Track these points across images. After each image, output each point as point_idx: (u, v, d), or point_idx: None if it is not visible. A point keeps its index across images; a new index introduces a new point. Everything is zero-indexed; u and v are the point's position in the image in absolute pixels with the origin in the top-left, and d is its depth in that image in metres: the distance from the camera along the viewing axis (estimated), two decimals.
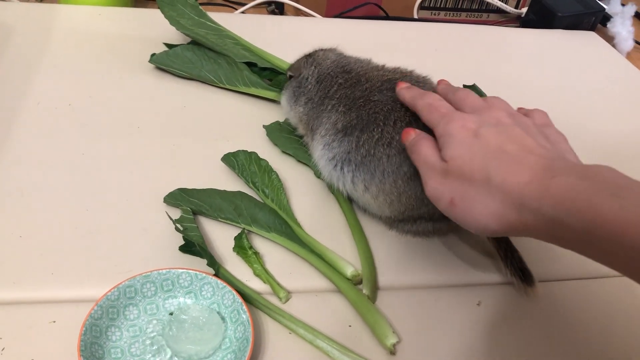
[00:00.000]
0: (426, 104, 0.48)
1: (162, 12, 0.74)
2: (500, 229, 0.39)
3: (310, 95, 0.60)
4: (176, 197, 0.58)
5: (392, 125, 0.53)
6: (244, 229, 0.55)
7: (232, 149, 0.63)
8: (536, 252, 0.55)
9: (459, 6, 0.98)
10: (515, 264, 0.52)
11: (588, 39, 0.94)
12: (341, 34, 0.88)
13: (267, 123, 0.68)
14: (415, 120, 0.52)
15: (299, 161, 0.64)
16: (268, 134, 0.66)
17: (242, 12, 0.93)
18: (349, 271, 0.51)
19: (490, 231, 0.39)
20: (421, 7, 0.97)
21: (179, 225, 0.52)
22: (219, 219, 0.57)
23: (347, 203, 0.59)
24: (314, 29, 0.89)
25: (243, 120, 0.70)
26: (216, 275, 0.49)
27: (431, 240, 0.58)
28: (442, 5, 0.97)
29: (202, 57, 0.73)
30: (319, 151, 0.58)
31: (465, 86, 0.75)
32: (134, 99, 0.71)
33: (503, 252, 0.53)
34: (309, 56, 0.64)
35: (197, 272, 0.48)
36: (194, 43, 0.75)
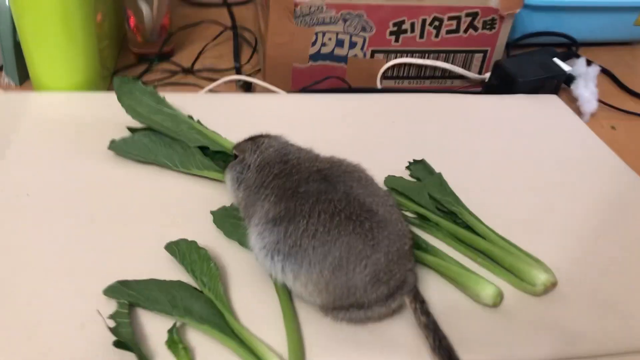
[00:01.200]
0: None
1: (120, 101, 0.77)
2: None
3: (248, 183, 0.63)
4: (115, 290, 0.60)
5: (317, 217, 0.54)
6: (175, 322, 0.57)
7: (182, 235, 0.65)
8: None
9: (422, 74, 1.00)
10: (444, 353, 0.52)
11: (549, 102, 0.94)
12: (305, 107, 0.90)
13: (218, 206, 0.70)
14: (338, 212, 0.54)
15: (241, 246, 0.66)
16: (214, 221, 0.68)
17: (210, 91, 0.97)
18: None
19: None
20: (384, 77, 0.99)
21: (109, 322, 0.54)
22: (154, 311, 0.58)
23: (284, 290, 0.61)
24: (279, 105, 0.92)
25: (195, 205, 0.72)
26: None
27: (366, 326, 0.58)
28: (405, 74, 0.99)
29: (158, 142, 0.76)
30: (252, 239, 0.60)
31: (414, 161, 0.77)
32: (90, 186, 0.73)
33: (432, 338, 0.53)
34: (254, 141, 0.66)
35: None
36: (152, 129, 0.78)
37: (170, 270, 0.63)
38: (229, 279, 0.63)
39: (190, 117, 0.80)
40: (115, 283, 0.60)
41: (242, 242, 0.65)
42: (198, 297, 0.59)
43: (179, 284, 0.61)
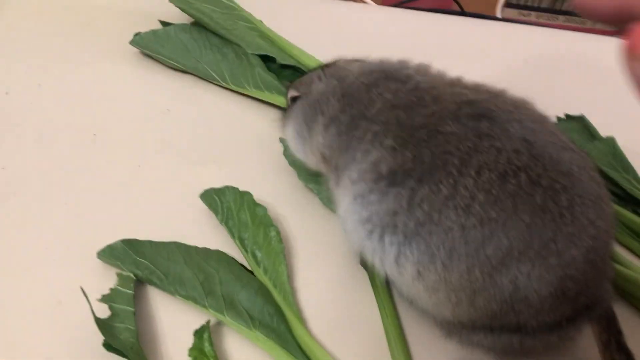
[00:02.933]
0: None
1: None
2: None
3: (333, 113, 0.38)
4: (117, 254, 0.38)
5: (474, 176, 0.31)
6: (208, 321, 0.34)
7: (223, 179, 0.43)
8: None
9: (556, 8, 0.75)
10: None
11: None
12: (398, 28, 0.66)
13: (281, 145, 0.47)
14: (514, 171, 0.31)
15: (325, 206, 0.43)
16: (285, 152, 0.45)
17: None
18: None
19: None
20: (507, 5, 0.75)
21: (99, 316, 0.32)
22: (177, 296, 0.36)
23: (385, 289, 0.38)
24: (363, 19, 0.68)
25: (247, 137, 0.49)
26: None
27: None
28: (534, 4, 0.75)
29: (203, 43, 0.53)
30: (346, 204, 0.36)
31: (567, 117, 0.52)
32: (99, 94, 0.52)
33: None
34: (327, 67, 0.42)
35: None
36: (196, 24, 0.54)
37: (205, 234, 0.40)
38: (297, 260, 0.40)
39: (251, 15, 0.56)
40: (117, 242, 0.38)
41: (326, 199, 0.42)
42: (247, 281, 0.37)
43: (219, 255, 0.38)
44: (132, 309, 0.34)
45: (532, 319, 0.33)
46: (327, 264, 0.40)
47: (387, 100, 0.36)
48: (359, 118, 0.37)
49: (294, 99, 0.42)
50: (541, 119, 0.36)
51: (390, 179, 0.33)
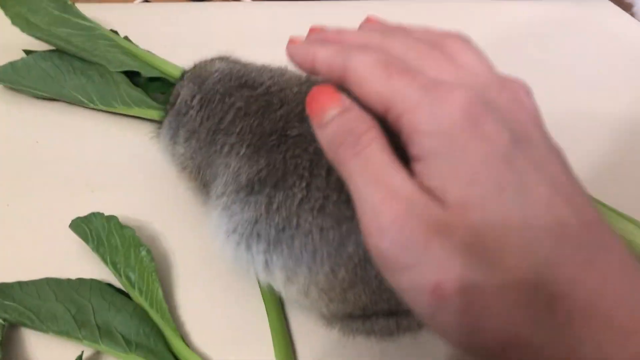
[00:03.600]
0: (375, 62, 0.24)
1: (2, 7, 0.52)
2: (499, 354, 0.21)
3: (192, 126, 0.38)
4: None
5: (325, 176, 0.32)
6: (82, 352, 0.34)
7: (97, 204, 0.42)
8: None
9: None
10: None
11: (601, 8, 0.72)
12: (279, 21, 0.66)
13: (153, 159, 0.46)
14: None
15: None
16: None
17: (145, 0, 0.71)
18: None
19: (482, 351, 0.21)
20: None
21: None
22: (50, 333, 0.36)
23: (271, 292, 0.38)
24: (237, 17, 0.67)
25: (121, 157, 0.49)
26: None
27: (394, 341, 0.37)
28: None
29: (66, 68, 0.52)
30: (214, 219, 0.36)
31: None
32: None
33: None
34: (189, 71, 0.42)
35: None
36: (58, 50, 0.53)
37: (78, 263, 0.40)
38: (174, 276, 0.40)
39: (115, 32, 0.55)
40: None
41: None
42: (122, 306, 0.37)
43: (92, 284, 0.38)
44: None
45: (402, 304, 0.34)
46: (208, 274, 0.40)
47: (239, 109, 0.36)
48: (214, 132, 0.37)
49: (169, 108, 0.42)
50: None
51: (250, 188, 0.34)
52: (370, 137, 0.23)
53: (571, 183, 0.23)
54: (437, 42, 0.26)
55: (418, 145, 0.22)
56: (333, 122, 0.24)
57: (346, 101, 0.25)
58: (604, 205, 0.43)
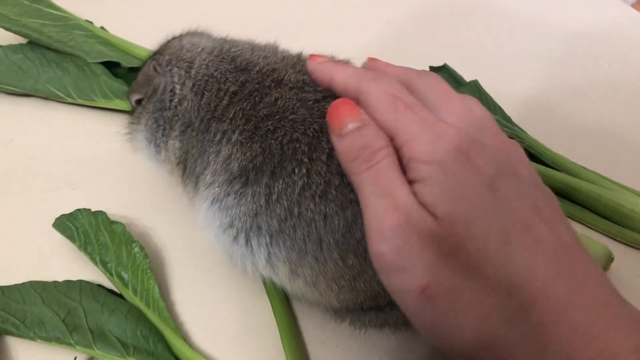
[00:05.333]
0: (386, 93, 0.28)
1: None
2: (475, 354, 0.25)
3: (188, 117, 0.36)
4: None
5: (326, 161, 0.30)
6: (75, 358, 0.32)
7: (80, 202, 0.39)
8: None
9: None
10: None
11: None
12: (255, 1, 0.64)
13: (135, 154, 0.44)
14: None
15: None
16: None
17: None
18: None
19: (460, 349, 0.25)
20: None
21: None
22: (38, 340, 0.33)
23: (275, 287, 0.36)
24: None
25: (102, 151, 0.46)
26: None
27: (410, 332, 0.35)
28: None
29: (39, 61, 0.49)
30: (204, 211, 0.34)
31: (431, 68, 0.52)
32: None
33: None
34: (160, 53, 0.39)
35: None
36: (30, 42, 0.50)
37: (67, 266, 0.37)
38: (168, 274, 0.38)
39: (90, 22, 0.52)
40: None
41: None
42: (116, 307, 0.34)
43: (82, 286, 0.35)
44: None
45: None
46: (205, 270, 0.38)
47: (234, 93, 0.34)
48: (209, 119, 0.34)
49: (139, 102, 0.39)
50: None
51: (244, 178, 0.31)
52: (384, 154, 0.26)
53: (553, 210, 0.26)
54: (446, 88, 0.30)
55: (416, 171, 0.26)
56: (351, 134, 0.27)
57: (365, 117, 0.28)
58: None
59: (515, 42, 0.59)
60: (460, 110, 0.28)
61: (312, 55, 0.33)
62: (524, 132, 0.46)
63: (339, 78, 0.30)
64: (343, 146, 0.28)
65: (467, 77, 0.50)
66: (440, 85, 0.30)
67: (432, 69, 0.52)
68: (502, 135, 0.28)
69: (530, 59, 0.57)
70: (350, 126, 0.27)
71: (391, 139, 0.27)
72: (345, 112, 0.28)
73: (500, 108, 0.49)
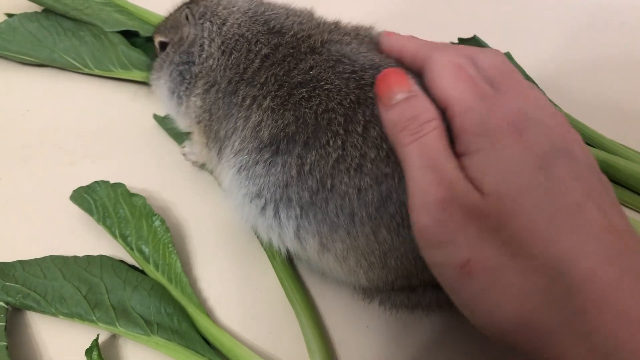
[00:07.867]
0: (452, 63, 0.28)
1: None
2: (512, 335, 0.24)
3: (213, 77, 0.34)
4: None
5: (361, 133, 0.29)
6: (97, 336, 0.31)
7: (100, 174, 0.38)
8: None
9: None
10: None
11: None
12: None
13: (157, 125, 0.42)
14: None
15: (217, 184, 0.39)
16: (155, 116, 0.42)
17: None
18: None
19: (498, 329, 0.24)
20: None
21: None
22: (60, 316, 0.32)
23: (286, 265, 0.35)
24: None
25: (120, 123, 0.44)
26: None
27: (443, 314, 0.34)
28: None
29: (55, 30, 0.48)
30: (230, 177, 0.32)
31: (460, 40, 0.50)
32: None
33: None
34: (196, 3, 0.37)
35: None
36: (45, 10, 0.48)
37: (86, 240, 0.36)
38: (190, 248, 0.36)
39: None
40: None
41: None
42: (138, 283, 0.33)
43: (103, 261, 0.34)
44: (4, 343, 0.30)
45: None
46: (227, 244, 0.37)
47: (265, 56, 0.33)
48: (237, 81, 0.33)
49: (163, 46, 0.38)
50: None
51: (275, 146, 0.30)
52: (432, 126, 0.25)
53: (606, 195, 0.25)
54: (509, 66, 0.29)
55: (465, 144, 0.25)
56: (399, 105, 0.26)
57: (414, 87, 0.27)
58: None
59: (549, 15, 0.56)
60: (520, 89, 0.27)
61: (386, 32, 0.33)
62: (557, 106, 0.44)
63: (410, 46, 0.30)
64: (391, 117, 0.27)
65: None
66: (503, 63, 0.29)
67: (461, 40, 0.50)
68: (560, 117, 0.27)
69: (562, 31, 0.54)
70: (399, 96, 0.27)
71: (445, 109, 0.26)
72: (395, 82, 0.27)
73: (533, 80, 0.47)
